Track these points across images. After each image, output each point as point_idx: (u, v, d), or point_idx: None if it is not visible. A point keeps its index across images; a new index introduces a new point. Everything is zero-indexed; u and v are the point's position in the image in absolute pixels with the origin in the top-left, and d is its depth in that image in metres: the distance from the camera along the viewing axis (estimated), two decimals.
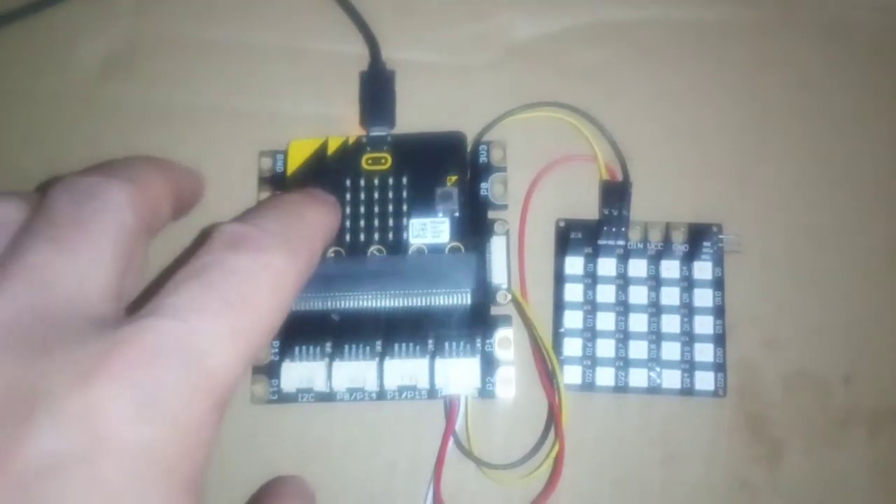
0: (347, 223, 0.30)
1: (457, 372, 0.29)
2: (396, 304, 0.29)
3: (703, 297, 0.31)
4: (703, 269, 0.31)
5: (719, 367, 0.30)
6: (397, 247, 0.30)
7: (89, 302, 0.19)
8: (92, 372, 0.16)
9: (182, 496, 0.17)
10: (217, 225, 0.21)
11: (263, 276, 0.20)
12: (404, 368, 0.29)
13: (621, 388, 0.30)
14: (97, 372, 0.16)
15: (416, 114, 0.32)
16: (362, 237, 0.30)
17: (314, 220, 0.23)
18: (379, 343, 0.29)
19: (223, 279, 0.19)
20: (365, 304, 0.29)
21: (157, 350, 0.17)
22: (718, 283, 0.31)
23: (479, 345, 0.30)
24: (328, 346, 0.30)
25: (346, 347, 0.29)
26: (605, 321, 0.31)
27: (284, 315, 0.21)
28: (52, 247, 0.19)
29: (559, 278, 0.31)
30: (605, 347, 0.31)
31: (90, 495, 0.16)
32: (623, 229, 0.31)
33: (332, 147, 0.31)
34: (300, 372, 0.29)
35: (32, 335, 0.17)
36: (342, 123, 0.32)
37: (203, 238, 0.20)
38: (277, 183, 0.31)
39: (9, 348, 0.17)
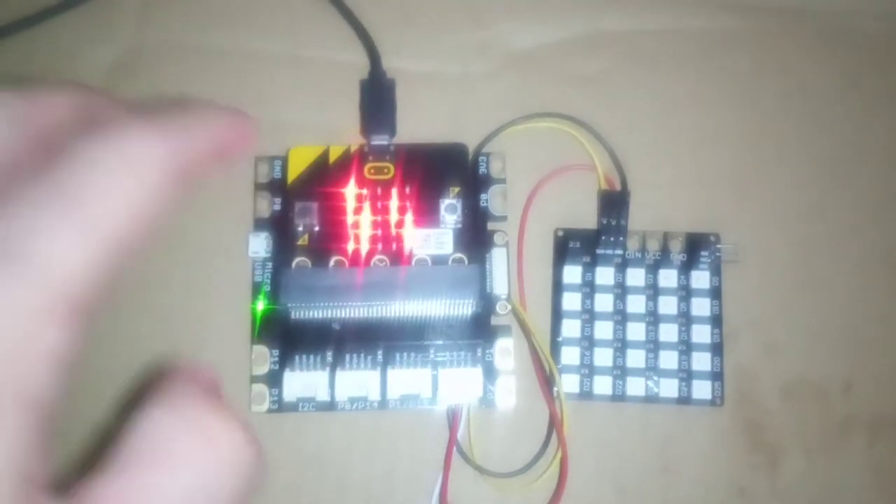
0: (350, 232, 0.30)
1: (459, 381, 0.30)
2: (399, 314, 0.29)
3: (701, 306, 0.31)
4: (700, 278, 0.32)
5: (717, 376, 0.31)
6: (400, 257, 0.30)
7: None
8: None
9: (23, 415, 0.15)
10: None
11: (115, 159, 0.17)
12: (407, 378, 0.29)
13: (619, 397, 0.31)
14: None
15: (416, 122, 0.33)
16: (365, 247, 0.30)
17: (199, 112, 0.20)
18: (380, 352, 0.30)
19: (63, 167, 0.16)
20: (367, 314, 0.29)
21: None
22: (716, 292, 0.31)
23: (479, 354, 0.30)
24: (329, 356, 0.30)
25: (348, 357, 0.30)
26: (603, 330, 0.31)
27: (156, 204, 0.17)
28: None
29: (557, 287, 0.32)
30: (603, 356, 0.31)
31: None
32: (621, 239, 0.31)
33: (334, 155, 0.31)
34: (302, 381, 0.29)
35: None
36: (342, 132, 0.32)
37: None
38: (275, 189, 0.31)
39: None
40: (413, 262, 0.30)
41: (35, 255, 0.15)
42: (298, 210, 0.30)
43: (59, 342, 0.16)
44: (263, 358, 0.30)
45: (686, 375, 0.31)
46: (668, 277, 0.32)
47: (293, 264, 0.29)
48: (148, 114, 0.18)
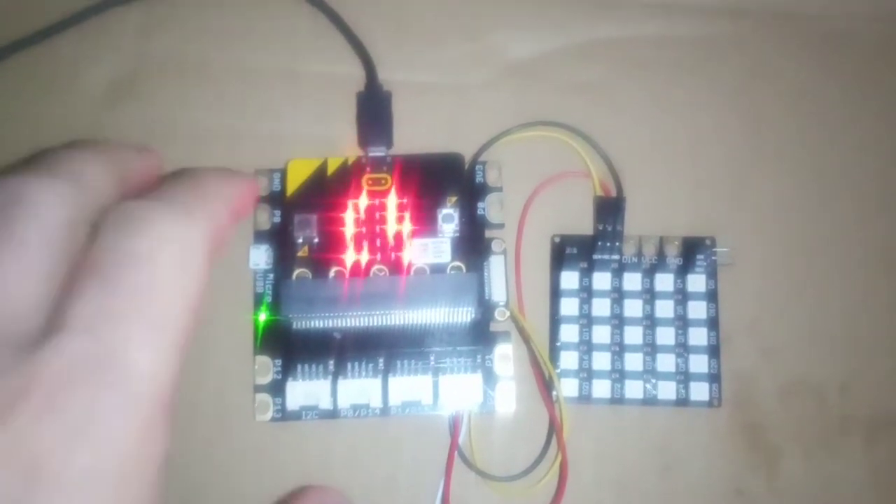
0: (349, 243, 0.31)
1: (459, 388, 0.30)
2: (399, 322, 0.30)
3: (698, 310, 0.32)
4: (696, 281, 0.32)
5: (714, 378, 0.31)
6: (399, 267, 0.30)
7: (16, 318, 0.17)
8: (14, 406, 0.15)
9: None
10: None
11: (162, 252, 0.18)
12: (408, 385, 0.30)
13: (617, 400, 0.31)
14: (19, 406, 0.15)
15: (412, 133, 0.33)
16: (364, 257, 0.30)
17: (212, 182, 0.21)
18: (381, 360, 0.30)
19: (121, 271, 0.17)
20: (368, 323, 0.29)
21: (73, 371, 0.16)
22: (712, 296, 0.32)
23: (479, 361, 0.30)
24: (331, 364, 0.30)
25: (349, 365, 0.30)
26: (601, 334, 0.32)
27: (202, 286, 0.18)
28: None
29: (555, 293, 0.32)
30: (602, 360, 0.31)
31: None
32: (617, 244, 0.32)
33: (332, 167, 0.32)
34: (305, 390, 0.30)
35: None
36: (340, 144, 0.33)
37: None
38: (275, 201, 0.32)
39: None
40: (412, 272, 0.30)
41: (130, 366, 0.16)
42: (298, 222, 0.30)
43: (161, 446, 0.17)
44: (266, 368, 0.30)
45: (683, 378, 0.31)
46: (665, 281, 0.32)
47: (294, 275, 0.30)
48: (174, 193, 0.19)
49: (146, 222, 0.18)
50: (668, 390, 0.31)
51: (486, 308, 0.31)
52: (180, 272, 0.18)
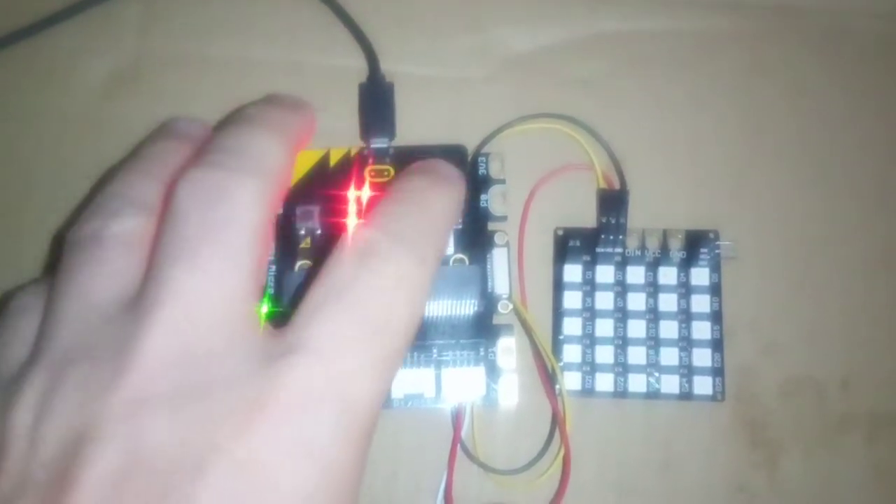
0: None
1: (462, 380, 0.30)
2: None
3: (701, 303, 0.32)
4: (700, 275, 0.32)
5: (717, 372, 0.31)
6: None
7: (233, 329, 0.19)
8: (255, 417, 0.17)
9: None
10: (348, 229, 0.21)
11: (400, 292, 0.19)
12: (410, 378, 0.30)
13: (620, 394, 0.31)
14: (259, 417, 0.17)
15: (415, 125, 0.33)
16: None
17: (440, 210, 0.22)
18: None
19: (361, 303, 0.19)
20: None
21: (308, 393, 0.17)
22: (715, 289, 0.32)
23: (482, 353, 0.30)
24: None
25: None
26: (604, 328, 0.31)
27: (419, 323, 0.20)
28: (190, 271, 0.19)
29: (558, 286, 0.32)
30: (605, 353, 0.31)
31: None
32: (621, 237, 0.32)
33: (334, 158, 0.31)
34: None
35: (190, 372, 0.17)
36: (342, 135, 0.33)
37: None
38: None
39: (171, 392, 0.17)
40: None
41: (356, 394, 0.18)
42: (300, 214, 0.30)
43: (363, 465, 0.18)
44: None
45: (687, 371, 0.31)
46: (668, 275, 0.32)
47: (296, 267, 0.29)
48: (410, 233, 0.21)
49: (390, 262, 0.20)
50: (671, 384, 0.31)
51: (488, 301, 0.30)
52: (410, 310, 0.20)
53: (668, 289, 0.32)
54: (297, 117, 0.25)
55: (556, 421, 0.30)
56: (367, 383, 0.18)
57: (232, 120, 0.24)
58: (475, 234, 0.31)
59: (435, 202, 0.22)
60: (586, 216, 0.32)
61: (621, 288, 0.32)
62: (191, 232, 0.19)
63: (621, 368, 0.31)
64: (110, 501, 0.16)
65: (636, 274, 0.32)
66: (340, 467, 0.17)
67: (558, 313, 0.32)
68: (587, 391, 0.31)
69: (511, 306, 0.31)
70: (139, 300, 0.19)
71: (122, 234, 0.20)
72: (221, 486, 0.16)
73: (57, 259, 0.21)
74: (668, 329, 0.31)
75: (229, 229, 0.19)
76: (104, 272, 0.20)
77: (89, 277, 0.20)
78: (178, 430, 0.17)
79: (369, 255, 0.20)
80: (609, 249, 0.32)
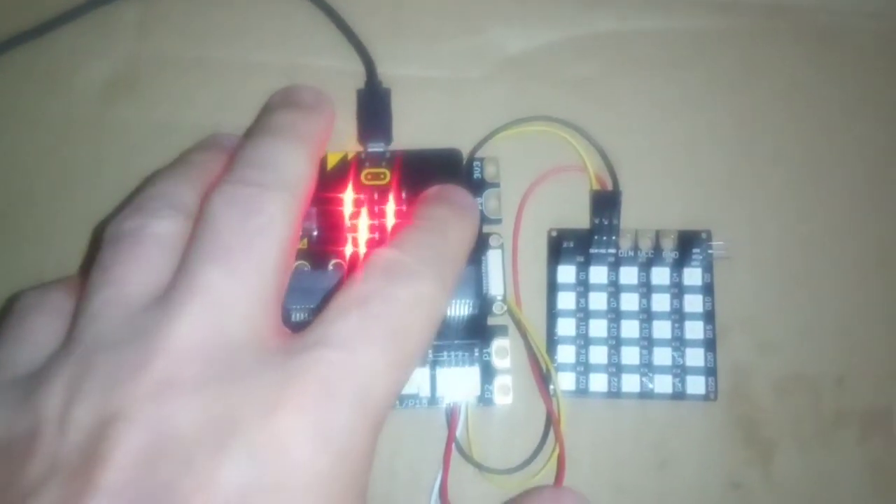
0: (348, 236, 0.31)
1: (457, 381, 0.30)
2: None
3: (694, 303, 0.32)
4: (692, 275, 0.32)
5: (710, 371, 0.31)
6: None
7: (257, 326, 0.20)
8: (277, 403, 0.18)
9: None
10: (373, 251, 0.23)
11: (420, 307, 0.21)
12: None
13: (614, 394, 0.31)
14: (282, 403, 0.18)
15: (412, 129, 0.33)
16: (363, 250, 0.31)
17: (458, 238, 0.25)
18: None
19: (384, 310, 0.20)
20: None
21: (330, 382, 0.18)
22: (708, 289, 0.32)
23: (477, 354, 0.31)
24: None
25: None
26: (598, 328, 0.32)
27: (432, 341, 0.22)
28: (221, 271, 0.20)
29: (552, 287, 0.32)
30: (598, 354, 0.32)
31: None
32: (614, 238, 0.32)
33: (332, 162, 0.32)
34: None
35: (216, 360, 0.18)
36: (340, 139, 0.33)
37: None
38: None
39: (197, 377, 0.18)
40: None
41: (373, 387, 0.19)
42: None
43: (373, 455, 0.20)
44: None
45: (680, 371, 0.31)
46: (661, 275, 0.32)
47: (294, 267, 0.30)
48: (431, 257, 0.23)
49: (412, 282, 0.21)
50: (664, 384, 0.31)
51: (483, 302, 0.31)
52: (428, 325, 0.21)
53: (661, 289, 0.32)
54: (320, 121, 0.27)
55: (551, 421, 0.30)
56: (383, 380, 0.19)
57: (260, 130, 0.25)
58: None
59: (455, 231, 0.25)
60: (580, 217, 0.33)
61: (615, 288, 0.32)
62: (225, 237, 0.20)
63: (615, 369, 0.31)
64: (138, 478, 0.17)
65: (629, 274, 0.32)
66: (355, 455, 0.18)
67: (552, 314, 0.32)
68: (581, 391, 0.31)
69: (505, 307, 0.31)
70: (170, 292, 0.20)
71: (160, 234, 0.22)
72: (242, 465, 0.17)
73: (93, 253, 0.22)
74: (662, 329, 0.32)
75: (261, 239, 0.21)
76: (140, 268, 0.21)
77: (126, 272, 0.21)
78: (203, 412, 0.17)
79: (394, 274, 0.21)
80: (602, 250, 0.32)
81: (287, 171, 0.23)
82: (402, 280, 0.21)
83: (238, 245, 0.20)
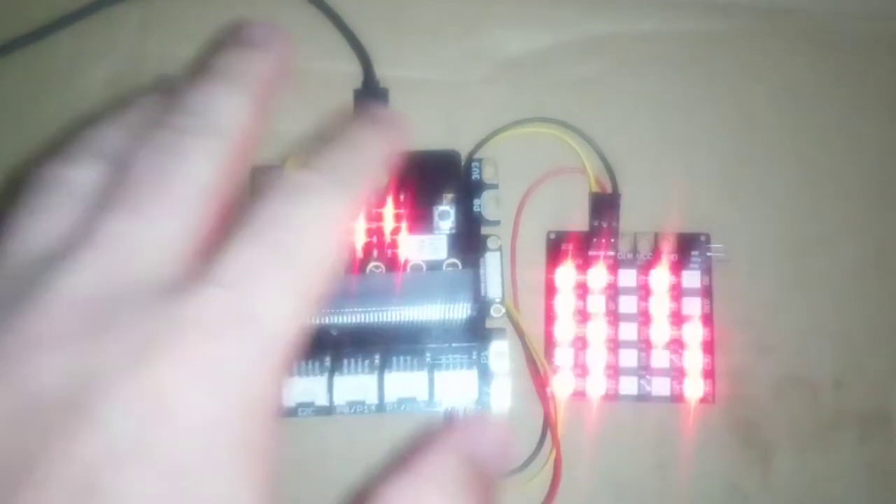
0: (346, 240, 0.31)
1: (455, 384, 0.30)
2: (395, 319, 0.30)
3: (692, 306, 0.32)
4: (691, 277, 0.32)
5: (708, 374, 0.31)
6: (396, 263, 0.31)
7: (163, 271, 0.18)
8: (148, 352, 0.16)
9: (256, 464, 0.17)
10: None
11: (319, 227, 0.19)
12: (404, 381, 0.30)
13: (612, 397, 0.31)
14: (154, 352, 0.16)
15: (411, 130, 0.33)
16: (361, 254, 0.31)
17: (374, 153, 0.22)
18: (377, 357, 0.30)
19: (277, 236, 0.18)
20: (364, 319, 0.30)
21: (214, 324, 0.17)
22: (707, 292, 0.32)
23: (475, 357, 0.31)
24: (327, 361, 0.30)
25: (346, 361, 0.30)
26: (596, 331, 0.32)
27: (336, 257, 0.19)
28: (127, 216, 0.18)
29: (551, 289, 0.32)
30: (596, 356, 0.31)
31: (159, 481, 0.16)
32: (612, 240, 0.32)
33: None
34: (301, 386, 0.30)
35: (99, 313, 0.17)
36: None
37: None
38: None
39: (71, 332, 0.17)
40: (408, 268, 0.30)
41: (266, 324, 0.17)
42: None
43: (278, 395, 0.17)
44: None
45: (678, 374, 0.31)
46: (660, 277, 0.32)
47: None
48: (340, 167, 0.20)
49: (310, 197, 0.19)
50: (662, 387, 0.31)
51: (481, 304, 0.31)
52: (327, 246, 0.19)
53: (659, 292, 0.32)
54: (268, 60, 0.24)
55: (548, 424, 0.31)
56: (278, 313, 0.18)
57: (200, 72, 0.23)
58: (468, 238, 0.31)
59: (372, 145, 0.22)
60: (579, 220, 0.33)
61: (613, 291, 0.32)
62: (136, 183, 0.19)
63: (613, 371, 0.31)
64: None
65: (628, 277, 0.32)
66: (249, 395, 0.17)
67: (551, 317, 0.32)
68: (579, 394, 0.31)
69: (504, 310, 0.31)
70: (68, 242, 0.18)
71: (72, 181, 0.20)
72: (111, 424, 0.15)
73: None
74: (660, 332, 0.32)
75: (179, 184, 0.19)
76: (45, 218, 0.19)
77: (29, 223, 0.20)
78: (66, 371, 0.16)
79: (291, 196, 0.19)
80: (601, 253, 0.32)
81: (220, 117, 0.20)
82: (299, 201, 0.19)
83: (150, 189, 0.19)
